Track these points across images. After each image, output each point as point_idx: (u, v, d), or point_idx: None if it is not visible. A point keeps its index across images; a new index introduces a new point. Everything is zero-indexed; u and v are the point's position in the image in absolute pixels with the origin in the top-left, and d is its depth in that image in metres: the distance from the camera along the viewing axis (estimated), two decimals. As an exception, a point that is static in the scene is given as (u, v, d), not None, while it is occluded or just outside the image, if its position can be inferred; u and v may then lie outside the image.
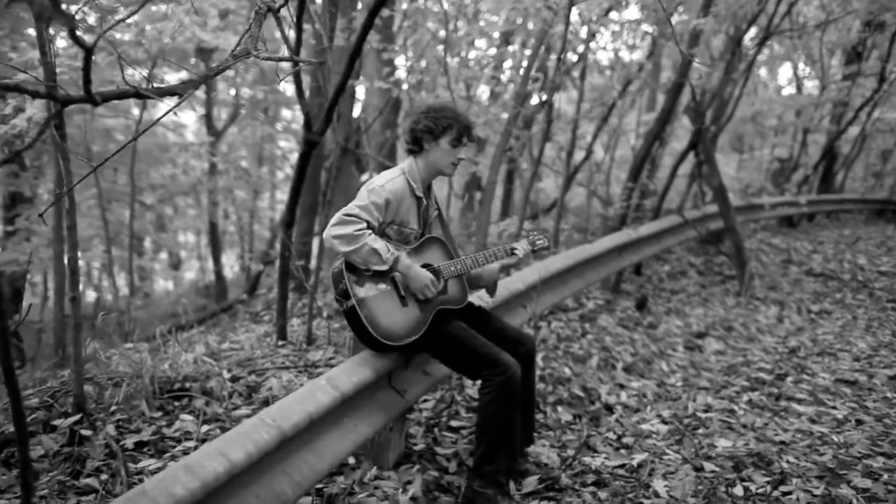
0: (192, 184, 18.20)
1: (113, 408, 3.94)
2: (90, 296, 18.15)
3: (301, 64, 4.31)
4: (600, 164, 16.32)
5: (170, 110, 2.20)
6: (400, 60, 10.88)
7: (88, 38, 2.02)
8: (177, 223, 25.00)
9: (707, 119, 9.82)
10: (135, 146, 8.55)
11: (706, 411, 4.72)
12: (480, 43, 12.62)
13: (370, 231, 3.31)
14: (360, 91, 12.82)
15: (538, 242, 3.93)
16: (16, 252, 12.53)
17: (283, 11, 4.59)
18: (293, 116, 20.61)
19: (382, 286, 3.38)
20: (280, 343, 5.32)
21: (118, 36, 7.39)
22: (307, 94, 5.27)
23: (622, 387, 5.19)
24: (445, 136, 3.50)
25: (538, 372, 5.25)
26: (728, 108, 11.00)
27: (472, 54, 12.40)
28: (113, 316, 8.09)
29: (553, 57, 9.40)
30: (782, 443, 4.11)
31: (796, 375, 5.41)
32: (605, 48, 12.51)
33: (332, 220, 3.29)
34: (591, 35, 10.87)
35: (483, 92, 15.45)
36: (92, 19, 6.93)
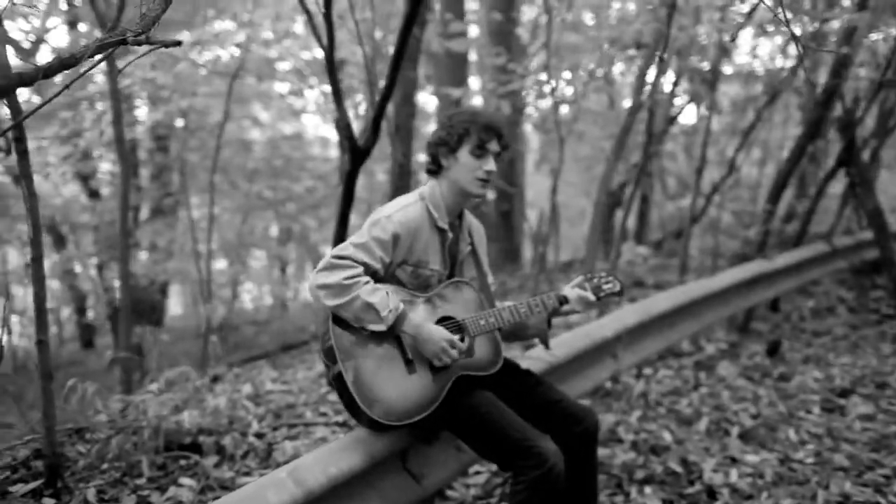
0: (324, 196, 18.10)
1: (105, 465, 3.41)
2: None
3: (336, 67, 3.69)
4: (750, 183, 14.93)
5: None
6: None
7: None
8: (315, 237, 25.15)
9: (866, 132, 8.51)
10: (217, 148, 8.15)
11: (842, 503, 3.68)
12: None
13: (367, 279, 2.58)
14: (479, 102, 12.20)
15: (605, 287, 3.08)
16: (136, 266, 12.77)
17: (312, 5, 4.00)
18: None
19: (384, 346, 2.64)
20: (329, 388, 4.67)
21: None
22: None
23: (734, 461, 4.19)
24: (464, 146, 2.72)
25: (630, 437, 4.36)
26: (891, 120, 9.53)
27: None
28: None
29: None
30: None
31: (969, 456, 4.23)
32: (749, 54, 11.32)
33: (320, 265, 2.58)
34: (731, 38, 9.77)
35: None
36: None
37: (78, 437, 3.64)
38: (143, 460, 3.46)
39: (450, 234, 2.85)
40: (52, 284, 18.53)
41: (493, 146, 2.73)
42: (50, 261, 17.64)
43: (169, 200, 14.61)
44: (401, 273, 2.75)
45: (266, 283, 23.51)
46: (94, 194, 15.18)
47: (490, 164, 2.73)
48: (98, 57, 1.78)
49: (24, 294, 17.97)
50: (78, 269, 16.71)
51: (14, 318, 15.89)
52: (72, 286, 17.11)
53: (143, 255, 14.48)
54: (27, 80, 1.60)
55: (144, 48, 1.89)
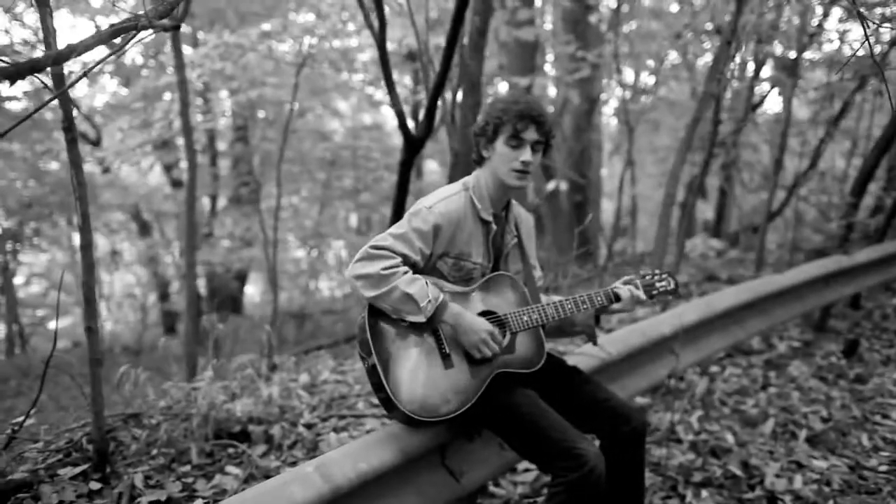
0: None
1: (154, 451, 3.46)
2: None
3: (388, 54, 3.64)
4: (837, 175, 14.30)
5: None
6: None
7: None
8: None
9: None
10: (284, 139, 8.17)
11: (916, 516, 3.47)
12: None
13: (406, 269, 2.53)
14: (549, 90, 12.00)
15: (658, 285, 2.94)
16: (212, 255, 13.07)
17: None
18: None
19: (421, 339, 2.57)
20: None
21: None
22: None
23: (799, 466, 3.98)
24: (500, 136, 2.62)
25: (689, 437, 4.20)
26: None
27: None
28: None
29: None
30: None
31: None
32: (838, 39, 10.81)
33: (357, 255, 2.53)
34: (818, 24, 9.38)
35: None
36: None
37: (134, 423, 3.70)
38: (192, 447, 3.50)
39: (494, 226, 2.76)
40: (137, 271, 19.17)
41: (530, 135, 2.61)
42: (135, 248, 18.27)
43: (245, 190, 14.87)
44: (442, 265, 2.68)
45: (343, 272, 23.77)
46: (176, 183, 15.58)
47: (526, 155, 2.61)
48: (118, 41, 1.77)
49: (109, 280, 18.66)
50: (162, 256, 17.18)
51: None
52: (156, 273, 17.62)
53: (225, 244, 14.76)
54: (39, 66, 1.61)
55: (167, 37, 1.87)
